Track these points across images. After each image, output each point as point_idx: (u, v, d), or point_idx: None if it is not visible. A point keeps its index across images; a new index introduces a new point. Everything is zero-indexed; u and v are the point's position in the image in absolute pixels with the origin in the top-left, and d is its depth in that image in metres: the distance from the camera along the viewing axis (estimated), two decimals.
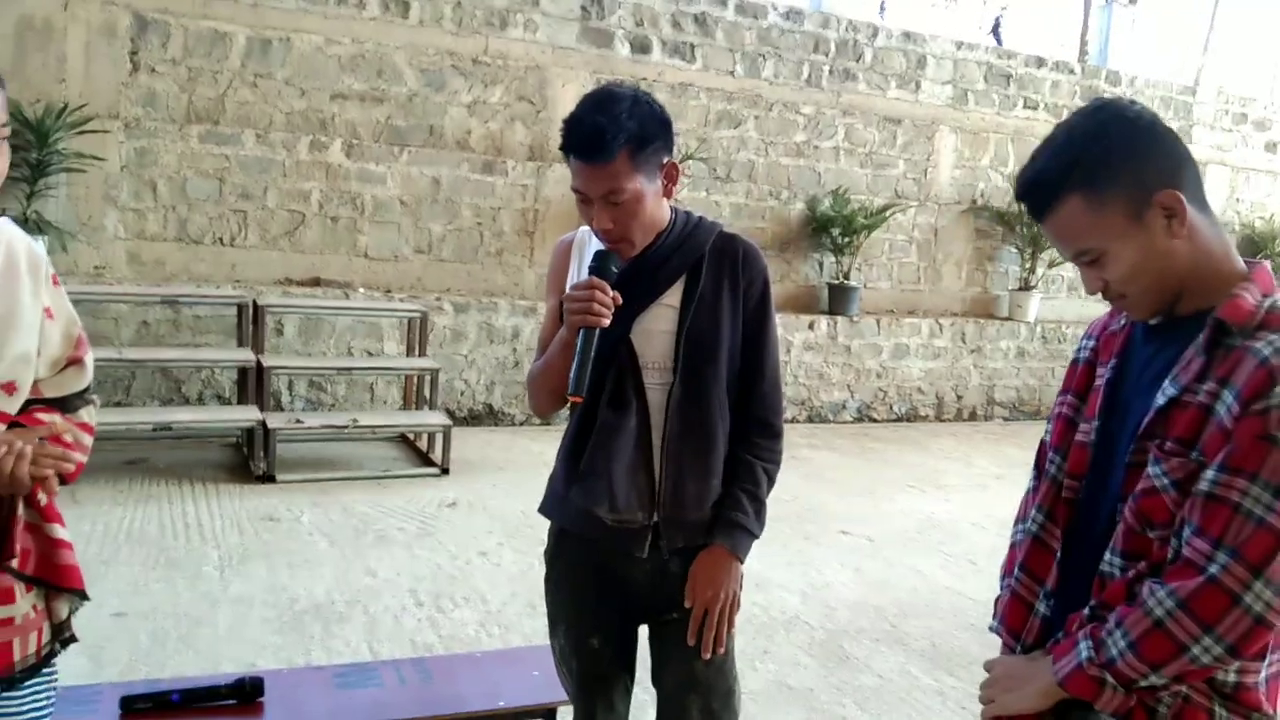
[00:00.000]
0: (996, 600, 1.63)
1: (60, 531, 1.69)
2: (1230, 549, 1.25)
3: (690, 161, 8.36)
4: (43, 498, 1.66)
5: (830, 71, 9.22)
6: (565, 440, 2.00)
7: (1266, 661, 1.34)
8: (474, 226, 8.00)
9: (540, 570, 4.57)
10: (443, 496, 5.57)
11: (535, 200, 8.16)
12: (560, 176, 8.16)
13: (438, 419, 6.15)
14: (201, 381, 6.66)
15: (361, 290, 7.42)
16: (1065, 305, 10.64)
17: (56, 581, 1.69)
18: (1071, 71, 10.65)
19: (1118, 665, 1.31)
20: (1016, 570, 1.57)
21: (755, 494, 1.94)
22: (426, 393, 6.62)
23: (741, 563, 1.92)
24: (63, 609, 1.74)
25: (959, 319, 9.69)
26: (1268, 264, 1.40)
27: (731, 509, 1.92)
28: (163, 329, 6.55)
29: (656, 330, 1.88)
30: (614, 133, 1.74)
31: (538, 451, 6.84)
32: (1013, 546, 1.62)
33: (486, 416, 7.63)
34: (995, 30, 13.56)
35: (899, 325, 9.22)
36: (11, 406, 1.59)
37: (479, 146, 7.97)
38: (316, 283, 7.44)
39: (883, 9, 11.41)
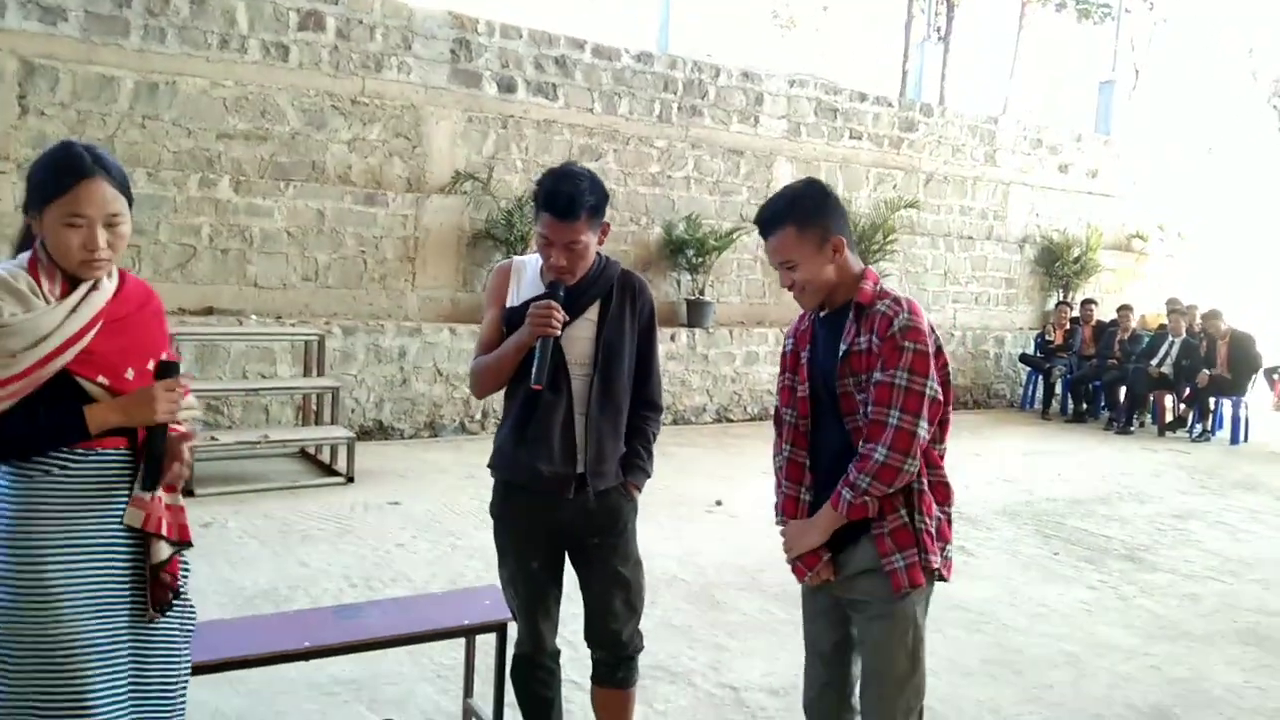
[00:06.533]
0: (776, 505, 2.50)
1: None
2: (899, 407, 2.21)
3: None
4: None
5: (679, 108, 10.21)
6: (512, 415, 2.71)
7: (933, 516, 2.32)
8: (358, 255, 8.56)
9: (455, 557, 5.44)
10: (353, 500, 6.15)
11: (415, 229, 8.78)
12: (438, 207, 8.84)
13: (342, 432, 6.71)
14: None
15: (254, 317, 7.88)
16: None
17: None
18: (890, 105, 11.99)
19: (870, 490, 2.23)
20: (785, 481, 2.47)
21: (649, 449, 2.82)
22: (325, 410, 7.16)
23: (640, 491, 2.80)
24: (163, 550, 2.27)
25: None
26: (872, 269, 2.40)
27: (636, 459, 2.78)
28: None
29: (579, 337, 2.62)
30: (581, 202, 2.51)
31: (432, 460, 7.47)
32: (778, 470, 2.50)
33: (377, 431, 8.18)
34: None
35: (749, 335, 10.25)
36: None
37: (360, 180, 8.54)
38: (209, 311, 7.86)
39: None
